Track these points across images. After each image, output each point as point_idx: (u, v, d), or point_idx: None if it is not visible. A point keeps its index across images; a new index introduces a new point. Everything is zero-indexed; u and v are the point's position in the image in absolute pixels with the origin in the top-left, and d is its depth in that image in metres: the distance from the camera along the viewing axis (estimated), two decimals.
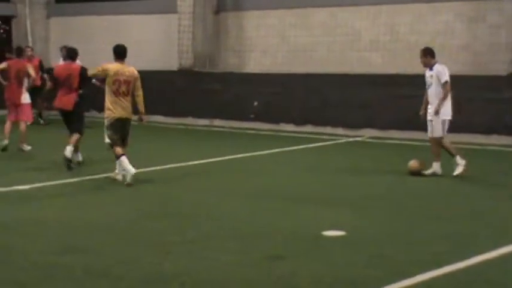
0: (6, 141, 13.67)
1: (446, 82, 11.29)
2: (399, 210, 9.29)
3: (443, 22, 16.39)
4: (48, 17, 22.87)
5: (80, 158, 12.32)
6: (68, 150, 11.73)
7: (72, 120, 12.19)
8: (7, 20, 23.25)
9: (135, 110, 11.09)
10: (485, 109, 15.35)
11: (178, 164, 12.54)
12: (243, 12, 19.25)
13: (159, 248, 7.44)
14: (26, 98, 14.08)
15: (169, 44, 19.71)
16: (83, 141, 12.38)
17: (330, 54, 17.82)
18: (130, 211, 9.19)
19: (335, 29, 17.74)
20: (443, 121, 11.39)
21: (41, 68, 18.26)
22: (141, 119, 11.17)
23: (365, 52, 17.35)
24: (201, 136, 17.16)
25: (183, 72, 19.35)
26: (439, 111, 11.30)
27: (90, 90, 13.07)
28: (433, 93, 11.39)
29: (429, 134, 11.57)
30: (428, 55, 11.50)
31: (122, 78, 10.80)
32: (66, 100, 12.17)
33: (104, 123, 11.07)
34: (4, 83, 14.43)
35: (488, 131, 15.34)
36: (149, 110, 19.67)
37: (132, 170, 10.59)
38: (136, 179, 10.75)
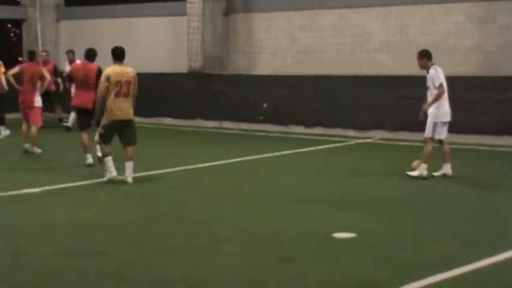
0: (27, 145, 13.95)
1: (440, 85, 11.25)
2: (409, 212, 9.27)
3: (453, 23, 16.34)
4: (58, 20, 22.95)
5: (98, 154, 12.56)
6: (98, 150, 12.17)
7: (91, 118, 12.36)
8: (17, 23, 23.36)
9: (135, 111, 11.16)
10: (496, 110, 15.30)
11: (187, 166, 12.55)
12: (252, 14, 19.26)
13: (169, 250, 7.45)
14: (38, 101, 14.19)
15: (178, 46, 19.74)
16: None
17: (340, 56, 17.79)
18: (141, 213, 9.21)
19: (344, 30, 17.72)
20: (435, 123, 11.36)
21: (55, 72, 18.28)
22: None
23: (375, 53, 17.31)
24: (211, 138, 17.18)
25: (192, 74, 19.37)
26: (427, 112, 11.27)
27: None
28: (429, 95, 11.38)
29: None
30: (424, 57, 11.46)
31: (123, 80, 10.92)
32: (86, 98, 12.47)
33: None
34: (18, 87, 14.49)
35: (498, 132, 15.28)
36: (158, 112, 20.03)
37: (113, 172, 10.94)
38: (147, 181, 10.75)
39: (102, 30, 21.44)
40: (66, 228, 8.36)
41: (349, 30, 17.64)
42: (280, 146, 15.17)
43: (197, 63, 19.30)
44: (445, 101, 11.38)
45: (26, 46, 21.98)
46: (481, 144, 14.92)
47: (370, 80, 16.90)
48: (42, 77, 14.32)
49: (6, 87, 16.12)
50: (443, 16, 16.49)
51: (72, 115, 18.10)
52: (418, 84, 15.06)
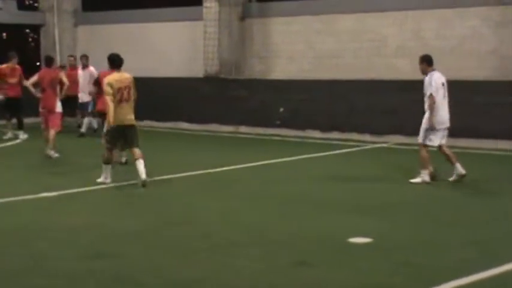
0: (49, 151, 13.98)
1: (430, 95, 11.19)
2: (426, 217, 9.24)
3: (470, 27, 16.28)
4: (75, 25, 23.08)
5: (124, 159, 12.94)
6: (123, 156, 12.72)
7: None
8: (36, 28, 23.52)
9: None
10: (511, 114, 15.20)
11: (203, 171, 12.57)
12: (269, 18, 19.28)
13: (185, 254, 7.47)
14: (59, 106, 14.30)
15: (195, 51, 19.79)
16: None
17: (357, 61, 17.76)
18: (157, 217, 9.24)
19: (361, 35, 17.70)
20: (426, 130, 11.32)
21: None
22: None
23: (392, 58, 17.27)
24: (227, 143, 17.20)
25: (208, 79, 19.41)
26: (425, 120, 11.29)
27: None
28: (425, 100, 11.35)
29: None
30: (424, 62, 11.42)
31: (123, 86, 11.12)
32: None
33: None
34: (38, 95, 14.55)
35: None
36: (175, 117, 20.08)
37: (108, 179, 11.22)
38: (162, 185, 10.79)
39: (119, 35, 21.53)
40: (83, 232, 8.42)
41: (366, 34, 17.62)
42: (297, 150, 15.16)
43: (213, 68, 19.35)
44: (440, 108, 11.27)
45: (43, 51, 22.12)
46: (497, 149, 14.82)
47: (387, 85, 16.86)
48: (61, 82, 14.46)
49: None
50: (460, 20, 16.43)
51: (86, 120, 18.15)
52: None
